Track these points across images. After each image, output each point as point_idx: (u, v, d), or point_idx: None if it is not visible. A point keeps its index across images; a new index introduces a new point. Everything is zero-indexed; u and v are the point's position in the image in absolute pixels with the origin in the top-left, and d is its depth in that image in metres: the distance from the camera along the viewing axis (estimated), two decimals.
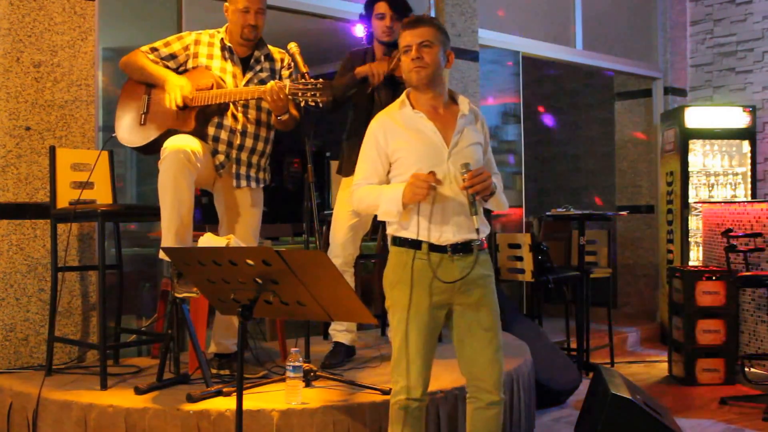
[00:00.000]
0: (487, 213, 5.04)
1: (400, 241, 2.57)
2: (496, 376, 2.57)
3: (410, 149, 2.53)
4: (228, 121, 3.31)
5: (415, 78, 2.54)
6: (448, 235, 2.51)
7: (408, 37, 2.54)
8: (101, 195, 3.65)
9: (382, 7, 3.62)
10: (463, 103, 2.63)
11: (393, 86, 3.64)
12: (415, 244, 2.53)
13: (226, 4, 3.35)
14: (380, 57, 3.69)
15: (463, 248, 2.53)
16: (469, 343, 2.57)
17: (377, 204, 2.55)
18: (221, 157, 3.31)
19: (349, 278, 3.69)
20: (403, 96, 2.62)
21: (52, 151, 3.51)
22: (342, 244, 3.64)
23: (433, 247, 2.52)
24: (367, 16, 3.72)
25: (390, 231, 2.61)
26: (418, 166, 2.49)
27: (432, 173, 2.46)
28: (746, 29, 7.00)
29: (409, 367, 2.51)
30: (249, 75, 3.37)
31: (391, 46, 3.66)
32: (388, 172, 2.59)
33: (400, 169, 2.55)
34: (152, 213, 3.32)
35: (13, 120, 3.60)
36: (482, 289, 2.57)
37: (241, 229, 3.40)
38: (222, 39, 3.37)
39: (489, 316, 2.58)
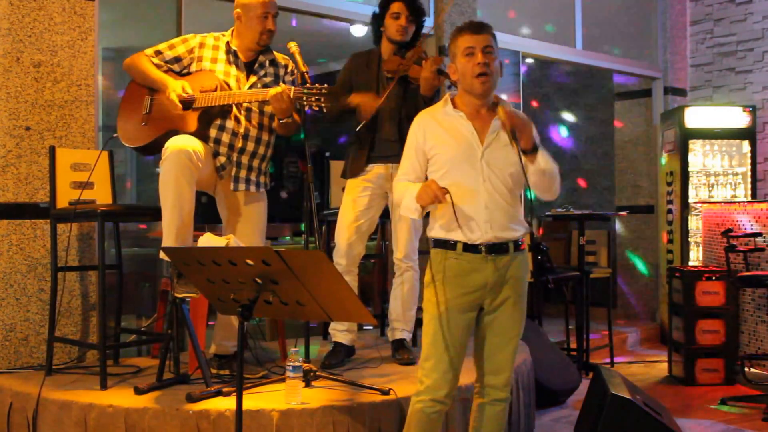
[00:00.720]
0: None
1: (435, 242, 2.61)
2: (507, 375, 2.62)
3: (446, 147, 2.57)
4: (230, 123, 3.30)
5: (480, 89, 2.53)
6: (481, 234, 2.53)
7: (471, 41, 2.54)
8: (101, 195, 3.65)
9: (397, 7, 3.63)
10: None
11: (403, 88, 3.63)
12: (449, 244, 2.56)
13: (238, 10, 3.32)
14: (389, 56, 3.68)
15: (498, 248, 2.55)
16: (490, 341, 2.60)
17: (401, 200, 2.60)
18: (222, 159, 3.31)
19: (353, 279, 3.70)
20: (447, 96, 2.65)
21: (52, 151, 3.51)
22: (348, 245, 3.65)
23: (468, 247, 2.53)
24: (380, 16, 3.72)
25: (428, 233, 2.66)
26: (452, 164, 2.53)
27: (444, 189, 2.46)
28: (746, 29, 6.99)
29: (435, 367, 2.53)
30: (253, 79, 3.36)
31: (402, 46, 3.67)
32: (426, 169, 2.63)
33: (435, 166, 2.59)
34: (152, 213, 3.32)
35: (13, 120, 3.60)
36: (514, 289, 2.59)
37: (246, 232, 3.39)
38: (228, 42, 3.37)
39: (516, 318, 2.61)
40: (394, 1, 3.65)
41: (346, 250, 3.66)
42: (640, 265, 7.28)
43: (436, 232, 2.61)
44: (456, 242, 2.54)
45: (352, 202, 3.67)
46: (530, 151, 2.51)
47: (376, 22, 3.76)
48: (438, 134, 2.59)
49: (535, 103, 8.56)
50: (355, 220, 3.65)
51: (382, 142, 3.65)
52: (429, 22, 5.27)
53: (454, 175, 2.53)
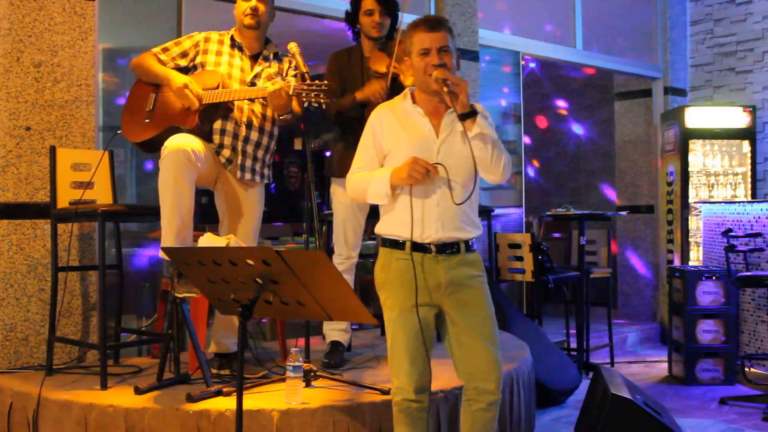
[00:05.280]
0: (484, 214, 5.05)
1: (383, 240, 2.57)
2: (496, 375, 2.54)
3: (402, 144, 2.53)
4: (234, 113, 3.34)
5: (434, 85, 2.48)
6: (431, 232, 2.49)
7: (426, 41, 2.50)
8: (101, 195, 3.65)
9: (369, 3, 3.61)
10: None
11: (390, 86, 3.63)
12: (397, 244, 2.53)
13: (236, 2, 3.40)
14: (369, 52, 3.66)
15: (448, 248, 2.51)
16: (467, 345, 2.53)
17: (366, 188, 2.54)
18: (227, 152, 3.33)
19: (352, 279, 3.71)
20: (407, 90, 2.63)
21: (53, 151, 3.51)
22: (352, 246, 3.67)
23: (416, 246, 2.50)
24: (353, 14, 3.71)
25: (376, 230, 2.61)
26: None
27: (436, 164, 2.43)
28: (746, 29, 7.00)
29: (399, 368, 2.51)
30: (257, 69, 3.40)
31: (380, 41, 3.65)
32: (383, 164, 2.59)
33: (391, 162, 2.55)
34: (152, 213, 3.32)
35: (13, 120, 3.60)
36: (472, 289, 2.54)
37: (241, 228, 3.41)
38: (232, 36, 3.44)
39: (483, 316, 2.55)
40: None
41: (349, 251, 3.67)
42: (640, 266, 7.28)
43: (384, 228, 2.57)
44: (404, 241, 2.50)
45: (345, 201, 3.65)
46: (468, 115, 2.44)
47: (351, 20, 3.75)
48: (395, 130, 2.56)
49: (535, 104, 8.56)
50: (353, 220, 3.65)
51: None
52: None
53: None
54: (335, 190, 3.73)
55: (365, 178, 2.56)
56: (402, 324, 2.50)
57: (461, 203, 2.48)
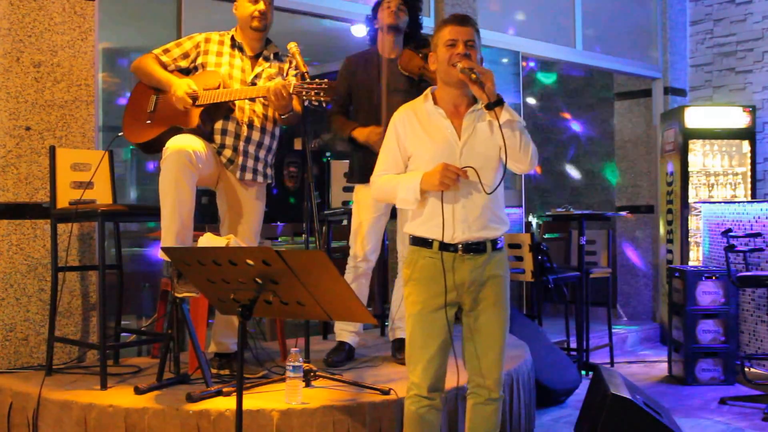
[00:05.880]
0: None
1: (412, 240, 2.61)
2: (497, 374, 2.61)
3: (424, 146, 2.57)
4: (235, 114, 3.34)
5: (458, 76, 2.50)
6: (458, 233, 2.52)
7: (454, 33, 2.54)
8: (101, 195, 3.65)
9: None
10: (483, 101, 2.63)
11: (416, 88, 3.61)
12: (425, 243, 2.56)
13: (236, 2, 3.40)
14: (390, 48, 3.66)
15: (474, 248, 2.54)
16: (477, 341, 2.60)
17: (395, 192, 2.58)
18: (229, 153, 3.33)
19: (367, 281, 3.72)
20: (428, 90, 2.65)
21: (52, 151, 3.51)
22: (369, 251, 3.68)
23: (444, 246, 2.53)
24: (374, 13, 3.71)
25: (405, 229, 2.65)
26: (432, 163, 2.50)
27: (466, 168, 2.47)
28: (746, 29, 7.00)
29: (416, 365, 2.55)
30: (257, 70, 3.41)
31: (400, 33, 3.66)
32: (407, 166, 2.63)
33: (414, 164, 2.59)
34: (152, 213, 3.32)
35: (13, 120, 3.60)
36: (493, 288, 2.59)
37: (242, 228, 3.41)
38: (232, 36, 3.44)
39: (499, 316, 2.60)
40: None
41: (366, 255, 3.68)
42: (640, 266, 7.28)
43: (412, 228, 2.60)
44: (432, 240, 2.54)
45: (364, 206, 3.67)
46: (495, 104, 2.47)
47: (371, 21, 3.75)
48: (417, 133, 2.59)
49: (535, 104, 8.56)
50: (368, 223, 3.67)
51: None
52: (431, 23, 5.27)
53: None
54: (357, 193, 3.75)
55: (392, 182, 2.61)
56: (423, 321, 2.55)
57: (491, 192, 2.52)
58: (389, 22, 3.62)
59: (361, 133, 3.60)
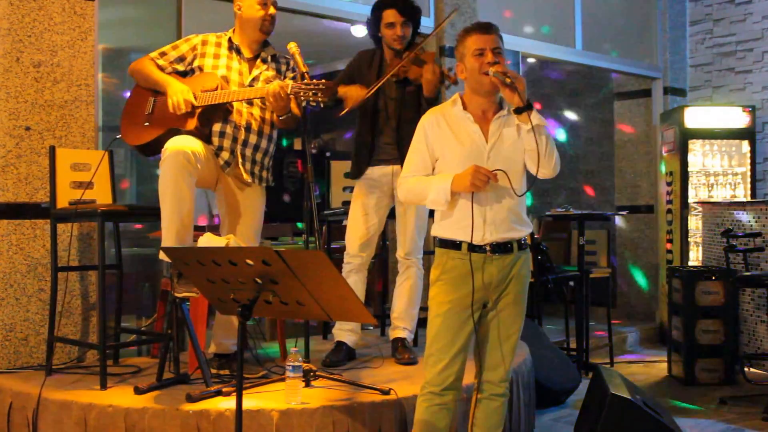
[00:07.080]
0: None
1: (440, 242, 2.65)
2: (502, 372, 2.68)
3: (453, 150, 2.61)
4: (233, 116, 3.34)
5: (489, 85, 2.56)
6: (486, 235, 2.57)
7: (481, 42, 2.58)
8: (101, 195, 3.65)
9: (391, 16, 3.61)
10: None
11: (401, 91, 3.64)
12: (454, 244, 2.60)
13: (238, 3, 3.39)
14: (390, 60, 3.69)
15: (502, 248, 2.59)
16: (490, 337, 2.66)
17: (426, 194, 2.62)
18: (226, 155, 3.33)
19: (362, 278, 3.72)
20: (456, 95, 2.69)
21: (52, 151, 3.51)
22: (359, 245, 3.70)
23: (473, 248, 2.57)
24: (375, 23, 3.71)
25: (433, 232, 2.69)
26: (460, 166, 2.55)
27: (496, 171, 2.51)
28: (746, 29, 7.00)
29: (435, 364, 2.59)
30: (255, 72, 3.40)
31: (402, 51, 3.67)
32: (434, 168, 2.67)
33: (442, 167, 2.64)
34: (152, 213, 3.32)
35: (13, 120, 3.60)
36: (516, 287, 2.65)
37: (242, 230, 3.41)
38: (230, 38, 3.43)
39: (516, 314, 2.67)
40: (386, 8, 3.62)
41: (358, 251, 3.70)
42: (640, 266, 7.28)
43: (441, 231, 2.65)
44: (461, 242, 2.58)
45: (361, 203, 3.70)
46: (525, 108, 2.53)
47: (372, 27, 3.75)
48: (445, 136, 2.63)
49: (534, 103, 8.55)
50: (364, 220, 3.68)
51: (382, 146, 3.68)
52: (430, 23, 5.27)
53: None
54: (354, 189, 3.78)
55: (422, 183, 2.64)
56: (451, 320, 2.58)
57: (522, 195, 2.60)
58: (396, 47, 3.65)
59: (342, 89, 3.60)
